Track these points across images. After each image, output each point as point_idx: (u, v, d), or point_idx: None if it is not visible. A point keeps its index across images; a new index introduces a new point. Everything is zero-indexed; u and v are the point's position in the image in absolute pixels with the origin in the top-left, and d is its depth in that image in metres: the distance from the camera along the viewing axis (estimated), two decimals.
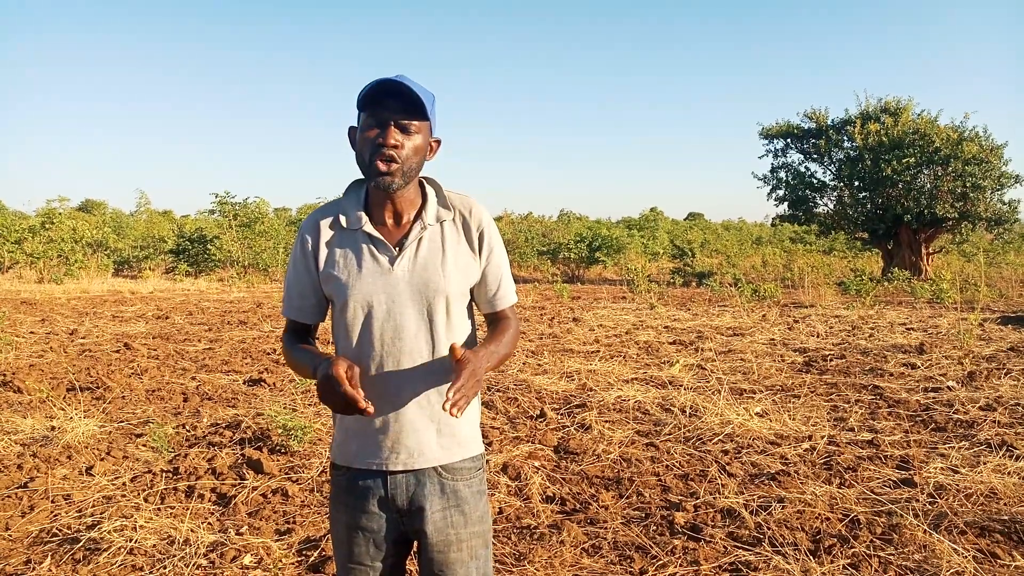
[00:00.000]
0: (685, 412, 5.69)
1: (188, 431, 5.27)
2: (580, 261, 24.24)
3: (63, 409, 5.59)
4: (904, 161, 18.82)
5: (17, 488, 4.11)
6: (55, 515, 3.80)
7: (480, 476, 1.73)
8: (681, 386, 6.58)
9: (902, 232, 20.17)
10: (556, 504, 3.99)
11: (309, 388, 6.42)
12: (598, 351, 8.56)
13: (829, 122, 21.49)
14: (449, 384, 1.50)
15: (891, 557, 3.23)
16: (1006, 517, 3.59)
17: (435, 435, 1.65)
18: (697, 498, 3.98)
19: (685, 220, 51.65)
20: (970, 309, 11.60)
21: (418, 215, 1.69)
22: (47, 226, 21.48)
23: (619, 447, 4.87)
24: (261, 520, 3.73)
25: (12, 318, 11.18)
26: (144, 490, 4.11)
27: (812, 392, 6.44)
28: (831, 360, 7.85)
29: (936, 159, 18.98)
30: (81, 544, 3.42)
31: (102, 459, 4.60)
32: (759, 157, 22.79)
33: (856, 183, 20.53)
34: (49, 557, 3.32)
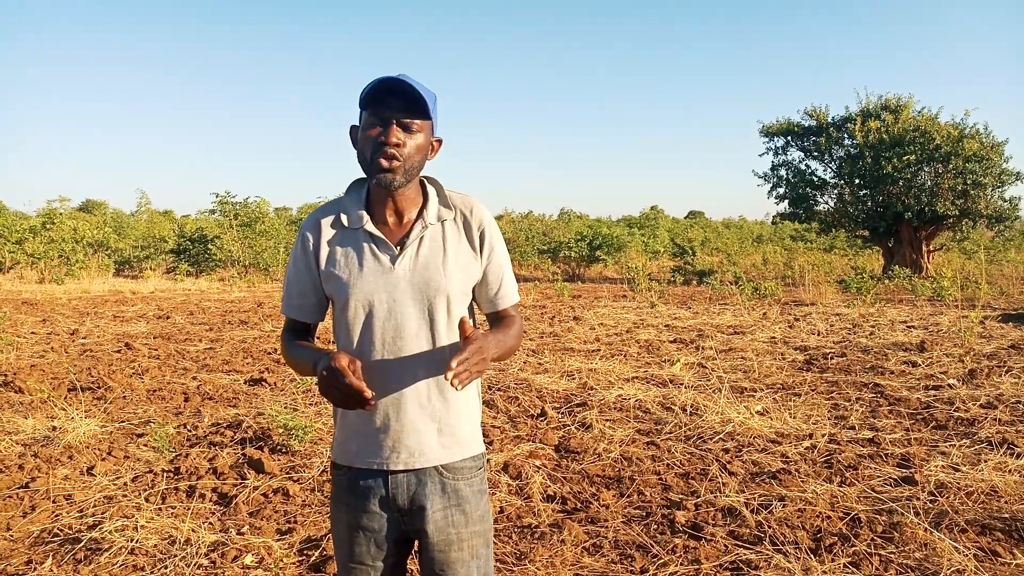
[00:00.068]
0: (686, 411, 5.69)
1: (189, 431, 5.27)
2: (581, 260, 24.23)
3: (64, 409, 5.59)
4: (905, 159, 18.79)
5: (18, 488, 4.11)
6: (56, 515, 3.80)
7: (481, 475, 1.73)
8: (682, 385, 6.58)
9: (903, 230, 20.15)
10: (557, 503, 3.99)
11: (310, 388, 6.42)
12: (599, 350, 8.56)
13: (829, 120, 21.46)
14: (454, 355, 1.47)
15: (892, 555, 3.23)
16: (1007, 515, 3.59)
17: (436, 434, 1.65)
18: (698, 497, 3.98)
19: (685, 218, 51.67)
20: (971, 307, 11.59)
21: (419, 214, 1.69)
22: (48, 226, 21.48)
23: (620, 446, 4.87)
24: (262, 520, 3.74)
25: (13, 318, 11.18)
26: (145, 490, 4.11)
27: (813, 390, 6.44)
28: (832, 358, 7.85)
29: (937, 156, 18.95)
30: (82, 544, 3.43)
31: (103, 459, 4.60)
32: (759, 155, 22.78)
33: (857, 181, 20.51)
34: (50, 557, 3.32)
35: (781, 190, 22.35)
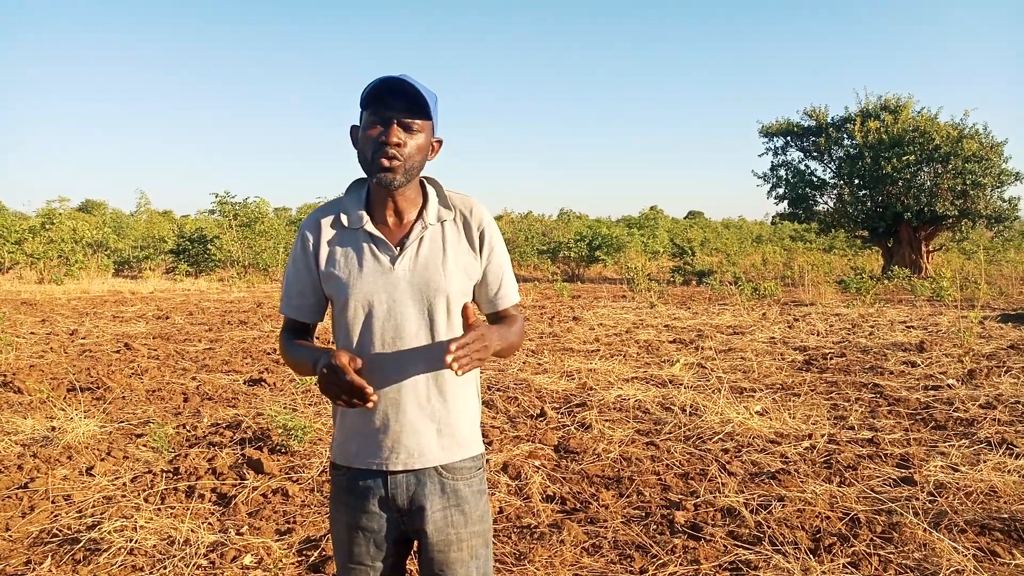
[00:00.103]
0: (685, 411, 5.69)
1: (188, 431, 5.27)
2: (580, 260, 24.23)
3: (63, 409, 5.59)
4: (904, 159, 18.81)
5: (17, 489, 4.11)
6: (55, 515, 3.80)
7: (480, 475, 1.73)
8: (681, 385, 6.58)
9: (902, 230, 20.17)
10: (556, 503, 3.99)
11: (309, 388, 6.42)
12: (598, 350, 8.56)
13: (829, 120, 21.49)
14: (453, 339, 1.47)
15: (891, 555, 3.23)
16: (1006, 515, 3.59)
17: (435, 435, 1.65)
18: (697, 497, 3.98)
19: (685, 219, 51.69)
20: (970, 307, 11.59)
21: (419, 215, 1.69)
22: (47, 227, 21.48)
23: (619, 446, 4.87)
24: (261, 520, 3.73)
25: (12, 319, 11.17)
26: (144, 490, 4.11)
27: (812, 390, 6.44)
28: (831, 358, 7.85)
29: (936, 157, 18.97)
30: (81, 544, 3.42)
31: (102, 459, 4.60)
32: (759, 155, 22.84)
33: (856, 181, 20.53)
34: (49, 557, 3.32)
35: (780, 190, 22.38)
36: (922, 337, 8.95)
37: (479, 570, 1.69)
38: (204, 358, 8.22)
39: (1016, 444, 4.72)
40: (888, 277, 17.33)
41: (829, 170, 21.79)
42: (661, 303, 13.68)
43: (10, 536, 3.56)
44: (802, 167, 22.21)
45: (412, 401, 1.62)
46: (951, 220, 19.81)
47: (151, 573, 3.19)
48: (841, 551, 3.28)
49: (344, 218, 1.69)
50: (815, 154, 21.77)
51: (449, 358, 1.43)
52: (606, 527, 3.63)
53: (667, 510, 3.82)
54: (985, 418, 5.36)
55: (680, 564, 3.23)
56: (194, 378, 7.11)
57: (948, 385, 6.47)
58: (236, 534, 3.55)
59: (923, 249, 20.38)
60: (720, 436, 5.06)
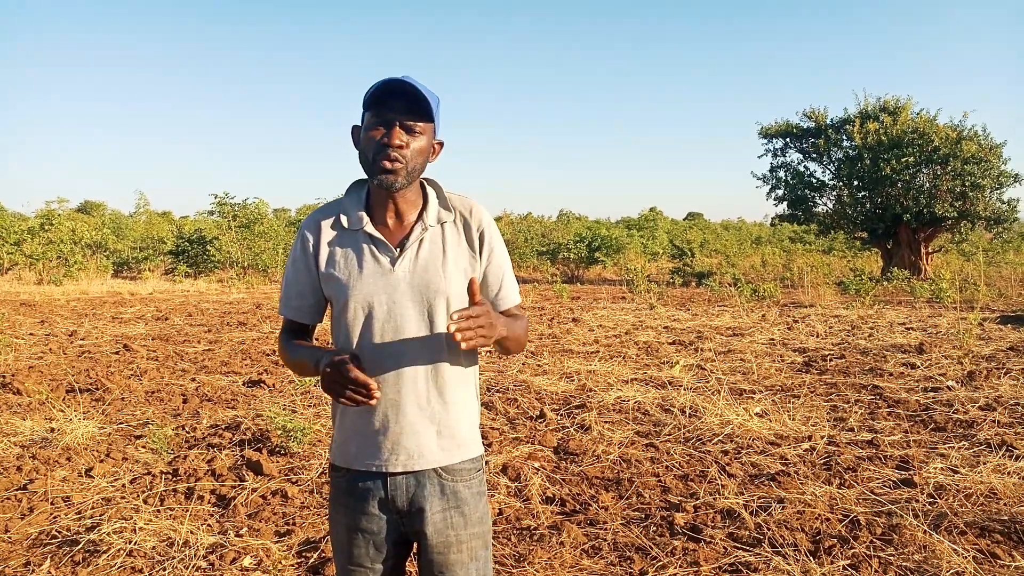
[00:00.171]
0: (685, 412, 5.69)
1: (187, 432, 5.27)
2: (579, 261, 24.23)
3: (62, 411, 5.58)
4: (903, 160, 18.82)
5: (16, 490, 4.10)
6: (54, 517, 3.79)
7: (480, 477, 1.73)
8: (681, 386, 6.58)
9: (901, 231, 20.18)
10: (556, 505, 3.98)
11: (309, 389, 6.42)
12: (598, 351, 8.56)
13: (828, 121, 21.49)
14: (456, 310, 1.46)
15: (891, 557, 3.23)
16: (1006, 517, 3.59)
17: (435, 437, 1.65)
18: (697, 499, 3.98)
19: (684, 220, 51.70)
20: (969, 308, 11.60)
21: (419, 216, 1.69)
22: (46, 227, 21.46)
23: (619, 448, 4.87)
24: (260, 522, 3.73)
25: (11, 320, 11.16)
26: (143, 492, 4.10)
27: (812, 392, 6.44)
28: (831, 360, 7.85)
29: (935, 158, 18.98)
30: (80, 546, 3.42)
31: (101, 461, 4.59)
32: (758, 157, 22.84)
33: (855, 182, 20.53)
34: (48, 559, 3.32)
35: (780, 192, 22.38)
36: (921, 339, 8.95)
37: (479, 572, 1.69)
38: (203, 359, 8.21)
39: (1016, 446, 4.72)
40: (887, 279, 17.33)
41: (828, 172, 21.81)
42: (661, 304, 13.68)
43: (9, 538, 3.55)
44: (801, 168, 22.22)
45: (412, 402, 1.62)
46: (950, 222, 19.82)
47: (150, 575, 3.19)
48: (841, 553, 3.28)
49: (344, 219, 1.68)
50: (814, 156, 21.77)
51: (452, 327, 1.42)
52: (606, 529, 3.62)
53: (667, 512, 3.82)
54: (985, 420, 5.36)
55: (680, 566, 3.22)
56: (193, 379, 7.10)
57: (948, 387, 6.47)
58: (235, 536, 3.54)
59: (922, 251, 20.39)
60: (720, 438, 5.06)
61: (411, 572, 2.88)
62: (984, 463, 4.39)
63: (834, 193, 21.57)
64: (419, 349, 1.62)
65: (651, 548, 3.40)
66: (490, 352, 8.37)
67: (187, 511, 3.82)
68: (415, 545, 1.72)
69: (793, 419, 5.50)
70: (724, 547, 3.38)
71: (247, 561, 3.30)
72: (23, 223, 22.41)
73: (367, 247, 1.65)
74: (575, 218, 40.79)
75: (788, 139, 22.32)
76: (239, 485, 4.19)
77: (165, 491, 4.11)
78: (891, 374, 7.08)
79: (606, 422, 5.46)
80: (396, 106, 1.58)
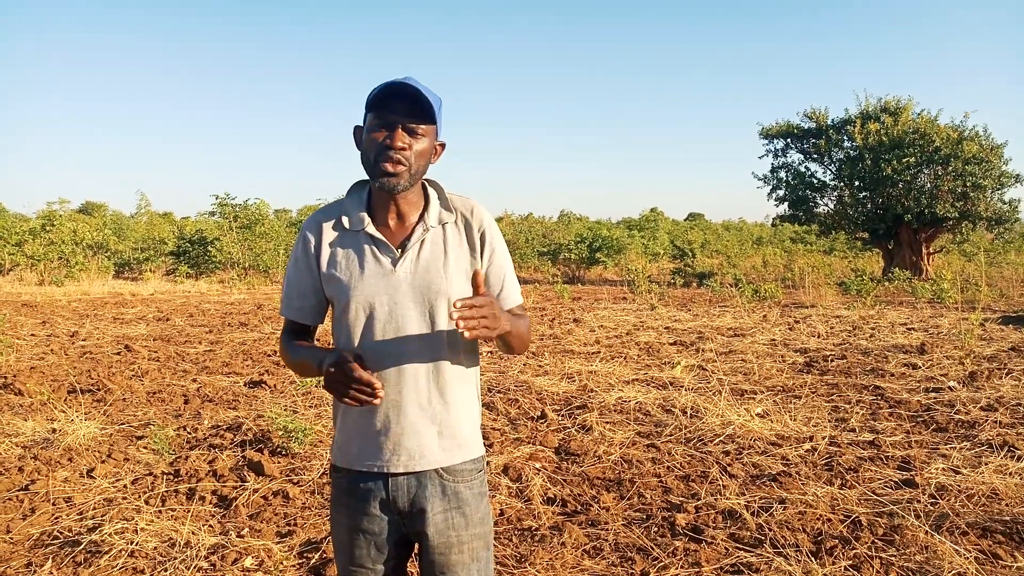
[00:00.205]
0: (686, 413, 5.68)
1: (189, 433, 5.27)
2: (580, 262, 24.23)
3: (64, 411, 5.58)
4: (904, 161, 18.81)
5: (18, 491, 4.11)
6: (56, 518, 3.80)
7: (481, 478, 1.73)
8: (682, 387, 6.58)
9: (902, 232, 20.16)
10: (557, 506, 3.98)
11: (310, 390, 6.42)
12: (599, 352, 8.56)
13: (829, 122, 21.48)
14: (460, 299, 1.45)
15: (893, 558, 3.23)
16: (1008, 518, 3.58)
17: (436, 437, 1.65)
18: (698, 499, 3.98)
19: (685, 220, 51.70)
20: (971, 309, 11.59)
21: (420, 217, 1.69)
22: (47, 228, 21.50)
23: (620, 448, 4.87)
24: (262, 522, 3.73)
25: (13, 320, 11.18)
26: (145, 492, 4.11)
27: (813, 393, 6.44)
28: (832, 360, 7.84)
29: (936, 159, 18.97)
30: (82, 547, 3.42)
31: (103, 461, 4.60)
32: (759, 157, 22.81)
33: (856, 183, 20.52)
34: (50, 560, 3.32)
35: (781, 192, 22.36)
36: (923, 339, 8.94)
37: (480, 572, 1.69)
38: (204, 360, 8.22)
39: (1017, 446, 4.71)
40: (889, 279, 17.33)
41: (829, 172, 21.80)
42: (662, 305, 13.68)
43: (11, 538, 3.56)
44: (802, 169, 22.21)
45: (413, 403, 1.62)
46: (951, 222, 19.80)
47: (152, 575, 3.19)
48: (842, 554, 3.28)
49: (345, 220, 1.69)
50: (815, 156, 21.76)
51: (455, 314, 1.42)
52: (607, 529, 3.62)
53: (668, 512, 3.81)
54: (986, 420, 5.35)
55: (681, 567, 3.22)
56: (194, 380, 7.11)
57: (949, 387, 6.46)
58: (237, 536, 3.55)
59: (924, 251, 20.37)
60: (721, 438, 5.06)
61: (412, 573, 2.88)
62: (986, 464, 4.39)
63: (835, 193, 21.56)
64: (420, 350, 1.62)
65: (652, 549, 3.40)
66: (491, 352, 8.37)
67: (188, 512, 3.82)
68: (416, 546, 1.72)
69: (794, 419, 5.50)
70: (725, 548, 3.38)
71: (249, 562, 3.30)
72: (24, 224, 22.46)
73: (368, 248, 1.65)
74: (576, 218, 40.81)
75: (789, 139, 22.31)
76: (240, 486, 4.20)
77: (166, 492, 4.11)
78: (892, 375, 7.07)
79: (607, 423, 5.46)
80: (398, 108, 1.58)
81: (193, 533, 3.55)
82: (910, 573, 3.11)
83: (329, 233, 1.69)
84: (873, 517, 3.65)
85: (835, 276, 19.72)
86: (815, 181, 21.86)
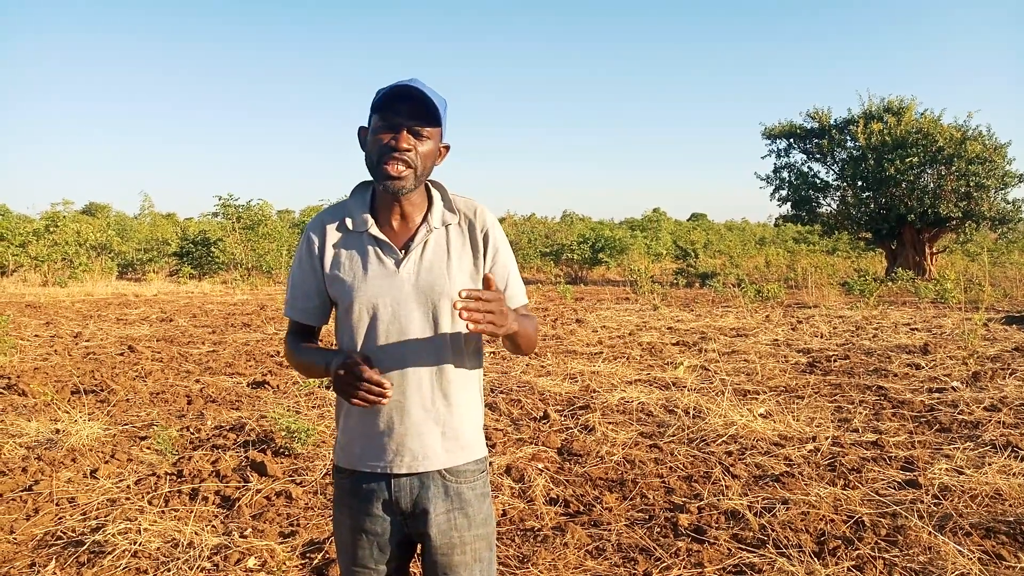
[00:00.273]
0: (689, 413, 5.68)
1: (192, 434, 5.28)
2: (583, 262, 24.23)
3: (68, 412, 5.60)
4: (907, 161, 18.78)
5: (22, 491, 4.12)
6: (59, 518, 3.81)
7: (484, 479, 1.73)
8: (685, 387, 6.58)
9: (906, 232, 20.13)
10: (560, 506, 3.98)
11: (313, 391, 6.43)
12: (601, 352, 8.55)
13: (832, 122, 21.47)
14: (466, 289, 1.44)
15: (896, 559, 3.22)
16: (1011, 518, 3.58)
17: (439, 438, 1.65)
18: (701, 500, 3.97)
19: (688, 221, 51.64)
20: (974, 309, 11.56)
21: (424, 219, 1.69)
22: (51, 229, 21.57)
23: (623, 449, 4.86)
24: (265, 523, 3.74)
25: (17, 321, 11.21)
26: (148, 493, 4.11)
27: (816, 393, 6.43)
28: (835, 361, 7.83)
29: (939, 158, 18.94)
30: (85, 547, 3.43)
31: (106, 462, 4.61)
32: (762, 157, 22.74)
33: (859, 183, 20.50)
34: (53, 560, 3.33)
35: (784, 192, 22.36)
36: (926, 339, 8.92)
37: (483, 573, 1.69)
38: (208, 361, 8.23)
39: (1021, 447, 4.70)
40: (892, 279, 17.31)
41: (832, 172, 21.79)
42: (664, 305, 13.67)
43: (14, 538, 3.57)
44: (805, 169, 22.20)
45: (417, 404, 1.63)
46: (955, 222, 19.78)
47: (155, 575, 3.19)
48: (846, 554, 3.27)
49: (349, 221, 1.69)
50: (818, 156, 21.75)
51: (459, 304, 1.40)
52: (610, 530, 3.62)
53: (671, 513, 3.81)
54: (990, 420, 5.34)
55: (684, 567, 3.22)
56: (198, 380, 7.12)
57: (952, 387, 6.45)
58: (240, 537, 3.55)
59: (927, 251, 20.35)
60: (724, 439, 5.05)
61: (415, 573, 2.89)
62: (989, 464, 4.38)
63: (838, 194, 21.55)
64: (424, 351, 1.63)
65: (655, 549, 3.40)
66: (494, 353, 8.38)
67: (192, 512, 3.83)
68: (419, 546, 1.73)
69: (797, 420, 5.49)
70: (728, 548, 3.38)
71: (251, 562, 3.30)
72: (28, 225, 22.51)
73: (372, 249, 1.66)
74: (579, 219, 40.79)
75: (792, 140, 22.30)
76: (243, 486, 4.20)
77: (170, 492, 4.12)
78: (895, 375, 7.06)
79: (610, 423, 5.46)
80: (404, 110, 1.58)
81: (196, 533, 3.55)
82: (913, 574, 3.11)
83: (333, 234, 1.69)
84: (876, 518, 3.65)
85: (838, 276, 19.70)
86: (818, 181, 21.84)
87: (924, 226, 19.80)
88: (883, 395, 6.28)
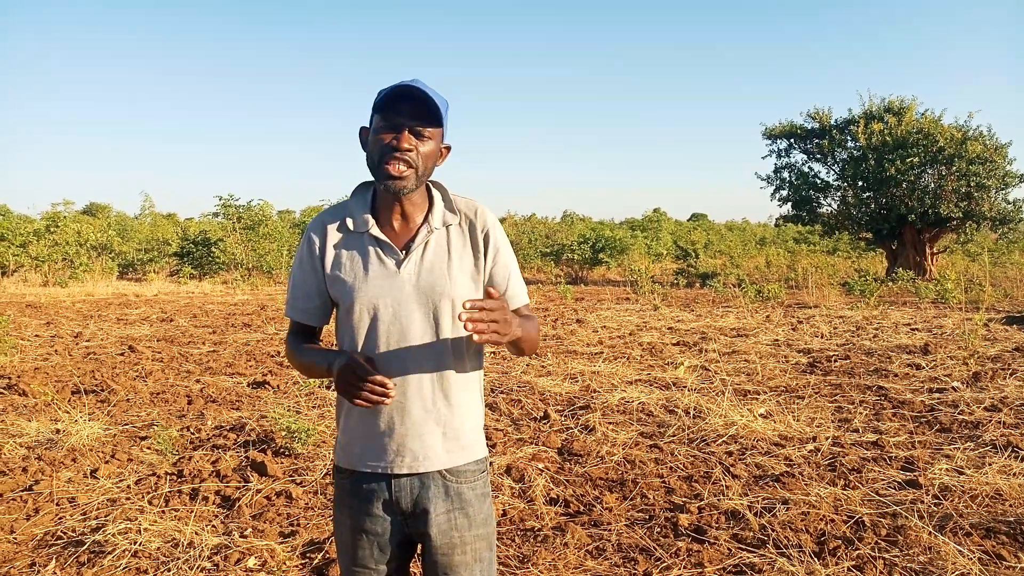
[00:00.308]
0: (689, 414, 5.68)
1: (192, 434, 5.28)
2: (584, 262, 24.23)
3: (68, 412, 5.60)
4: (908, 161, 18.77)
5: (22, 491, 4.12)
6: (60, 518, 3.81)
7: (484, 479, 1.73)
8: (685, 387, 6.57)
9: (906, 232, 20.13)
10: (560, 506, 3.98)
11: (313, 391, 6.43)
12: (602, 352, 8.55)
13: (832, 122, 21.46)
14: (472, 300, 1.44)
15: (896, 559, 3.22)
16: (1011, 518, 3.58)
17: (440, 439, 1.65)
18: (701, 500, 3.97)
19: (688, 221, 51.62)
20: (975, 309, 11.56)
21: (425, 219, 1.69)
22: (52, 229, 21.58)
23: (623, 449, 4.86)
24: (265, 523, 3.74)
25: (17, 321, 11.21)
26: (148, 493, 4.12)
27: (816, 393, 6.43)
28: (835, 361, 7.83)
29: (940, 159, 18.94)
30: (86, 547, 3.43)
31: (107, 462, 4.61)
32: (762, 157, 22.75)
33: (860, 183, 20.49)
34: (54, 560, 3.33)
35: (784, 192, 22.35)
36: (927, 339, 8.92)
37: (483, 573, 1.69)
38: (208, 361, 8.23)
39: (1021, 447, 4.70)
40: (892, 279, 17.30)
41: (833, 172, 21.78)
42: (665, 305, 13.67)
43: (15, 538, 3.57)
44: (805, 169, 22.18)
45: (417, 405, 1.63)
46: (955, 222, 19.77)
47: (155, 575, 3.20)
48: (846, 554, 3.27)
49: (350, 222, 1.69)
50: (819, 156, 21.74)
51: (464, 315, 1.41)
52: (610, 530, 3.62)
53: (671, 513, 3.81)
54: (990, 421, 5.34)
55: (684, 567, 3.22)
56: (198, 381, 7.12)
57: (953, 388, 6.45)
58: (240, 536, 3.55)
59: (927, 251, 20.34)
60: (724, 439, 5.05)
61: (415, 574, 2.89)
62: (990, 464, 4.38)
63: (838, 194, 21.54)
64: (424, 351, 1.63)
65: (655, 549, 3.40)
66: (494, 353, 8.38)
67: (192, 512, 3.83)
68: (419, 546, 1.73)
69: (797, 420, 5.49)
70: (728, 548, 3.38)
71: (251, 562, 3.31)
72: (29, 225, 22.53)
73: (373, 249, 1.66)
74: (579, 219, 40.77)
75: (792, 140, 22.30)
76: (244, 486, 4.20)
77: (170, 492, 4.12)
78: (896, 375, 7.06)
79: (610, 423, 5.46)
80: (405, 110, 1.58)
81: (196, 533, 3.55)
82: (913, 574, 3.11)
83: (333, 235, 1.69)
84: (876, 518, 3.65)
85: (838, 276, 19.69)
86: (818, 181, 21.83)
87: (925, 226, 19.80)
88: (883, 395, 6.28)
